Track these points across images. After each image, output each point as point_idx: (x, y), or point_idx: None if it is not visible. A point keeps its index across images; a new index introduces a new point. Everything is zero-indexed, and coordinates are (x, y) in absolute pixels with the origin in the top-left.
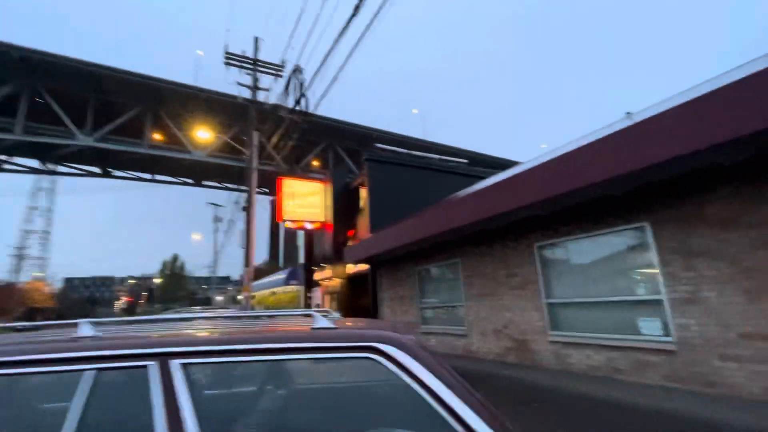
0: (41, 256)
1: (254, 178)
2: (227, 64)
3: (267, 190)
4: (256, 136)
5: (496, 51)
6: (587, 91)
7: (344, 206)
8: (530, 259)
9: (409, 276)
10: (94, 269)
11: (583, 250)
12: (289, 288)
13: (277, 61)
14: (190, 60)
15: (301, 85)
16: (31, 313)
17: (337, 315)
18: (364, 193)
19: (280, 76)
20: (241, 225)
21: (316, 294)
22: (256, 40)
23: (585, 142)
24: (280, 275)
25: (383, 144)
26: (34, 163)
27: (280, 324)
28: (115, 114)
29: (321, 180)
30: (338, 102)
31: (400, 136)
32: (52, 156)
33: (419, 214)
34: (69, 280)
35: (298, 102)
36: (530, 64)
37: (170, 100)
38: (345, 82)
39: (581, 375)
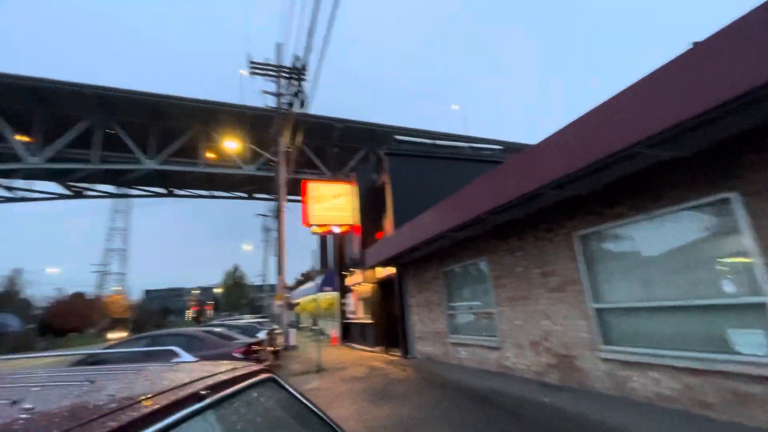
0: (120, 271)
1: (283, 181)
2: (252, 73)
3: None
4: (282, 143)
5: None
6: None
7: (371, 207)
8: (570, 253)
9: (435, 279)
10: (168, 281)
11: (642, 238)
12: (328, 294)
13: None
14: (226, 76)
15: (299, 78)
16: (113, 324)
17: (188, 358)
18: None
19: (304, 79)
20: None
21: (350, 300)
22: (279, 47)
23: (628, 86)
24: (316, 281)
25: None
26: (109, 188)
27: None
28: (174, 138)
29: (347, 181)
30: (379, 108)
31: (443, 134)
32: (123, 180)
33: (435, 207)
34: (148, 292)
35: (296, 95)
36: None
37: (220, 120)
38: (385, 88)
39: (648, 406)
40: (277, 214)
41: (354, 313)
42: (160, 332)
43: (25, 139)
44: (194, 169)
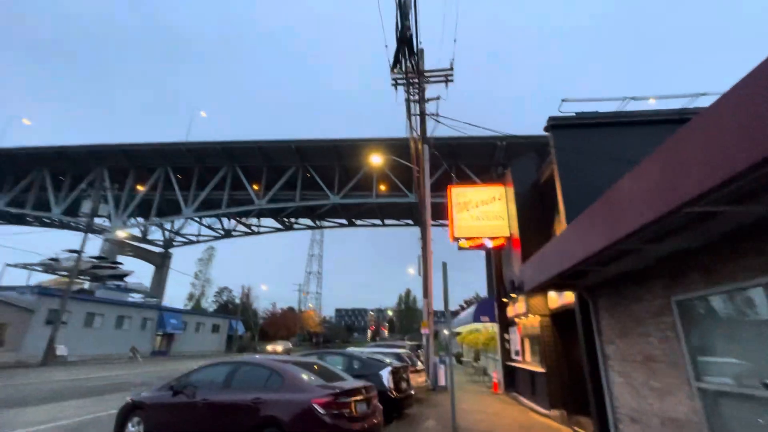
0: (316, 291)
1: (427, 196)
2: (395, 85)
3: None
4: (426, 150)
5: None
6: None
7: (534, 210)
8: None
9: (658, 314)
10: (354, 302)
11: None
12: (489, 326)
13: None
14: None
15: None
16: (309, 336)
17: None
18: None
19: (451, 80)
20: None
21: (514, 336)
22: (420, 52)
23: None
24: (470, 310)
25: None
26: (308, 221)
27: None
28: (351, 175)
29: (499, 182)
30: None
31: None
32: (316, 215)
33: (661, 151)
34: (338, 311)
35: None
36: None
37: (388, 153)
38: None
39: None
40: (423, 234)
41: (518, 353)
42: (247, 359)
43: (255, 187)
44: (368, 201)
